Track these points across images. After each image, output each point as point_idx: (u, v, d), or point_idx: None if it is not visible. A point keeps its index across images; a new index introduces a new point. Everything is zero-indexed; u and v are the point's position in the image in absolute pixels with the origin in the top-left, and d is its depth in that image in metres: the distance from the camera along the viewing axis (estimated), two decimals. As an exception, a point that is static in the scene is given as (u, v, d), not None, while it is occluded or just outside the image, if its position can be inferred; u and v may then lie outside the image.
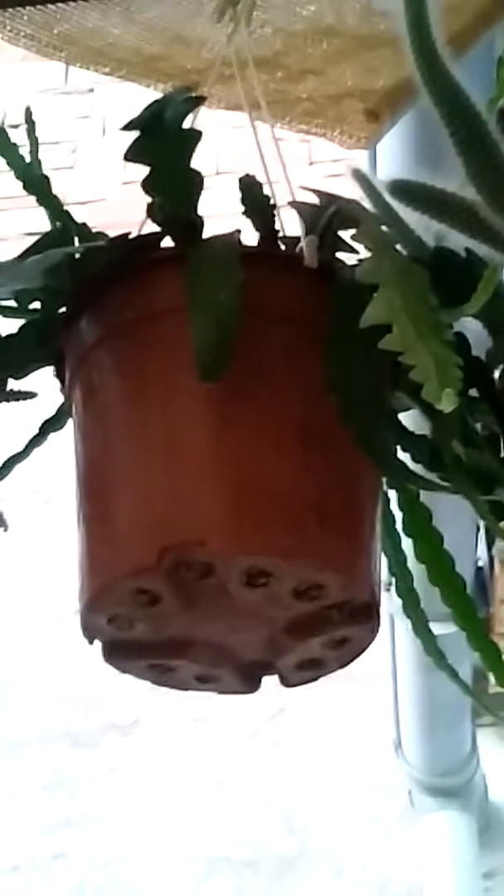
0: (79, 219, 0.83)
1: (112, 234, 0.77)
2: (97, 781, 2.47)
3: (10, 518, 0.83)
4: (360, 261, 0.64)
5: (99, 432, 0.75)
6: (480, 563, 2.18)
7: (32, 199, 0.87)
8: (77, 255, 0.75)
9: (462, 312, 0.60)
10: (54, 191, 0.82)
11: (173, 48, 1.07)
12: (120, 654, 0.75)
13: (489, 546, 2.17)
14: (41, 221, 0.87)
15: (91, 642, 0.74)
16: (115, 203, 3.02)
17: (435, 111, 0.67)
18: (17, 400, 0.82)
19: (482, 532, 1.92)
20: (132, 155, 0.71)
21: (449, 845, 2.30)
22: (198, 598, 0.70)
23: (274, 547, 0.68)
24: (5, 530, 0.83)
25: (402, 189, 0.81)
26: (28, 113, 0.84)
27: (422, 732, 2.22)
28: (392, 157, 1.39)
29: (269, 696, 2.62)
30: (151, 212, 0.72)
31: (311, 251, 0.74)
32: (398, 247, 0.69)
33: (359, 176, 0.83)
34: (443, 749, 2.25)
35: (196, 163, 0.72)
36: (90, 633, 0.73)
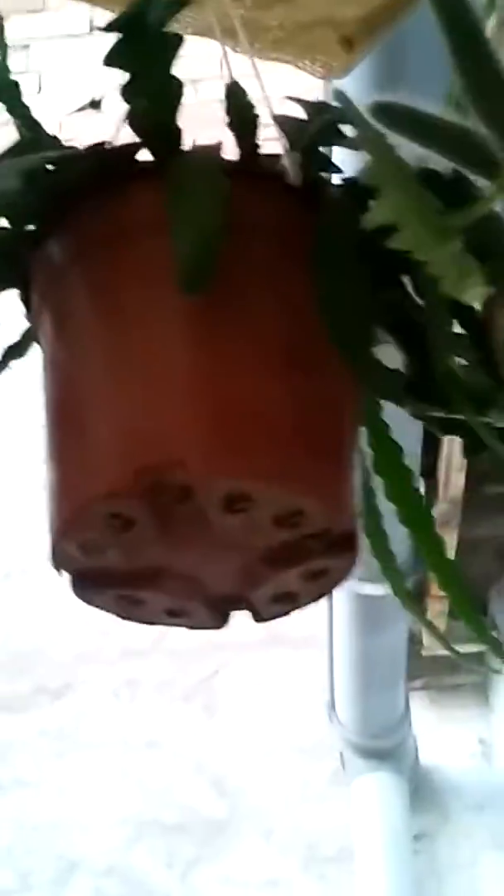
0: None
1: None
2: (27, 745, 2.44)
3: None
4: (364, 164, 0.61)
5: (71, 355, 0.71)
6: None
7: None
8: (51, 166, 0.71)
9: (466, 217, 0.58)
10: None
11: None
12: (89, 584, 0.72)
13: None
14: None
15: (60, 573, 0.71)
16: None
17: (436, 20, 0.64)
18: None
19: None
20: (112, 60, 0.67)
21: (379, 808, 2.31)
22: (174, 524, 0.67)
23: (257, 469, 0.65)
24: None
25: (386, 111, 0.79)
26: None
27: (356, 693, 2.22)
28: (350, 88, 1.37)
29: (200, 659, 2.60)
30: (131, 119, 0.69)
31: (294, 167, 0.71)
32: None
33: (341, 97, 0.81)
34: (376, 710, 2.25)
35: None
36: (60, 563, 0.70)
